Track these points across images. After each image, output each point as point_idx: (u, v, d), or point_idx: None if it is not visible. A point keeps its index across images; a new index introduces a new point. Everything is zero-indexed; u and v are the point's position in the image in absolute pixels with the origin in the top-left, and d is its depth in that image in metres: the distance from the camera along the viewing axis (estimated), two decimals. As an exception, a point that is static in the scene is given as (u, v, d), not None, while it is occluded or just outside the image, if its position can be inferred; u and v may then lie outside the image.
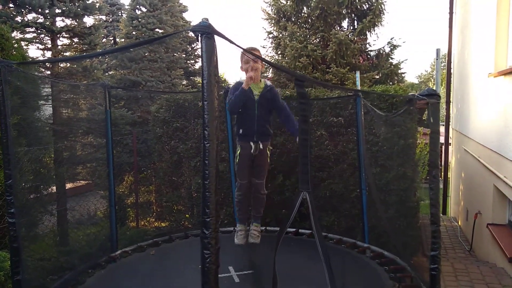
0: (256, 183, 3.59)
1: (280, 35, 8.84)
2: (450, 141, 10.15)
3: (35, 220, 4.94)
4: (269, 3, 8.93)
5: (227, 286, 3.29)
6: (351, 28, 8.51)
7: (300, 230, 4.78)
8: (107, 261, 4.09)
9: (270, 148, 3.64)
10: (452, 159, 10.22)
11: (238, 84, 3.52)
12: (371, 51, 8.58)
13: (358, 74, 5.00)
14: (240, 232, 3.73)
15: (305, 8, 8.57)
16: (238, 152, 3.57)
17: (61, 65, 6.93)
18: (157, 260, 4.17)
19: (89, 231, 5.99)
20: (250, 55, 3.01)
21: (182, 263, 3.90)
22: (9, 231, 2.65)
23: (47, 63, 6.63)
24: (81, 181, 7.64)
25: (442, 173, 9.79)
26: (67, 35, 7.16)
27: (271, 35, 9.07)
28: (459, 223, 8.32)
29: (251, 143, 3.44)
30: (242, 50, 2.21)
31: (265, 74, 9.19)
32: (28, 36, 6.81)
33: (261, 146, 3.48)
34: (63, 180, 5.91)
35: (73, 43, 7.32)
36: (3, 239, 4.09)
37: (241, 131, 3.52)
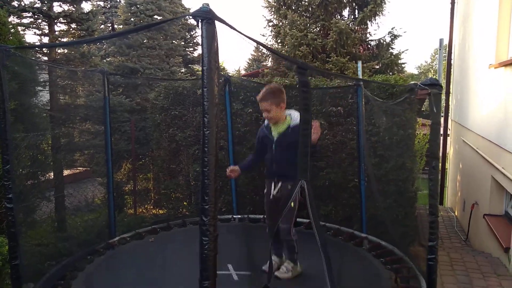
0: (279, 226, 3.22)
1: (280, 24, 8.75)
2: (449, 132, 10.16)
3: (33, 206, 4.95)
4: (269, -10, 8.83)
5: (226, 284, 3.24)
6: (352, 17, 8.43)
7: (297, 220, 4.78)
8: (105, 248, 4.11)
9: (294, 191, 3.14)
10: (450, 150, 10.25)
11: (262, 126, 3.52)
12: (371, 40, 8.52)
13: (360, 64, 4.95)
14: (273, 262, 3.25)
15: (305, -4, 8.48)
16: (265, 191, 3.47)
17: (59, 50, 6.86)
18: (156, 247, 4.19)
19: (87, 217, 6.01)
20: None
21: (181, 250, 3.92)
22: (6, 216, 2.65)
23: (44, 49, 6.56)
24: (79, 168, 7.63)
25: (440, 164, 9.81)
26: (65, 21, 7.07)
27: (271, 23, 8.97)
28: (456, 213, 8.38)
29: (272, 183, 3.31)
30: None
31: (265, 63, 9.15)
32: (25, 21, 6.72)
33: (280, 185, 3.26)
34: (60, 166, 5.90)
35: (71, 29, 7.23)
36: (1, 224, 4.09)
37: (265, 170, 3.50)
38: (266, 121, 3.41)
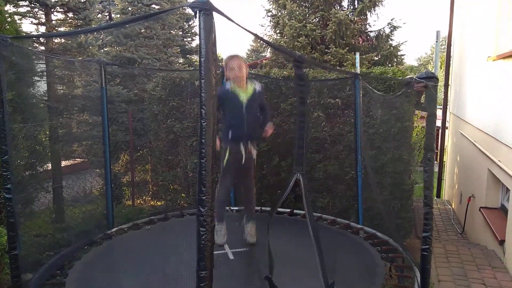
0: (246, 185, 3.60)
1: (279, 14, 8.69)
2: (447, 124, 10.17)
3: (31, 197, 4.95)
4: (268, -20, 8.74)
5: (222, 263, 3.34)
6: (352, 7, 8.37)
7: (295, 211, 4.83)
8: (103, 238, 4.13)
9: (256, 149, 3.61)
10: (448, 143, 10.26)
11: (221, 90, 3.50)
12: (371, 31, 8.47)
13: (358, 56, 4.93)
14: (220, 232, 3.58)
15: (305, -14, 8.41)
16: (227, 157, 3.47)
17: (56, 40, 6.80)
18: (152, 236, 4.22)
19: (85, 208, 6.02)
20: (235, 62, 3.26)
21: (178, 241, 3.93)
22: (5, 206, 2.65)
23: (41, 38, 6.50)
24: (77, 159, 7.62)
25: (438, 157, 9.84)
26: (62, 10, 7.00)
27: (269, 14, 8.90)
28: (453, 206, 8.42)
29: (242, 147, 3.40)
30: (245, 28, 2.07)
31: (263, 54, 9.10)
32: (21, 10, 6.65)
33: (252, 149, 3.50)
34: (58, 157, 5.89)
35: (68, 18, 7.17)
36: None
37: (230, 135, 3.44)
38: (227, 86, 3.47)
